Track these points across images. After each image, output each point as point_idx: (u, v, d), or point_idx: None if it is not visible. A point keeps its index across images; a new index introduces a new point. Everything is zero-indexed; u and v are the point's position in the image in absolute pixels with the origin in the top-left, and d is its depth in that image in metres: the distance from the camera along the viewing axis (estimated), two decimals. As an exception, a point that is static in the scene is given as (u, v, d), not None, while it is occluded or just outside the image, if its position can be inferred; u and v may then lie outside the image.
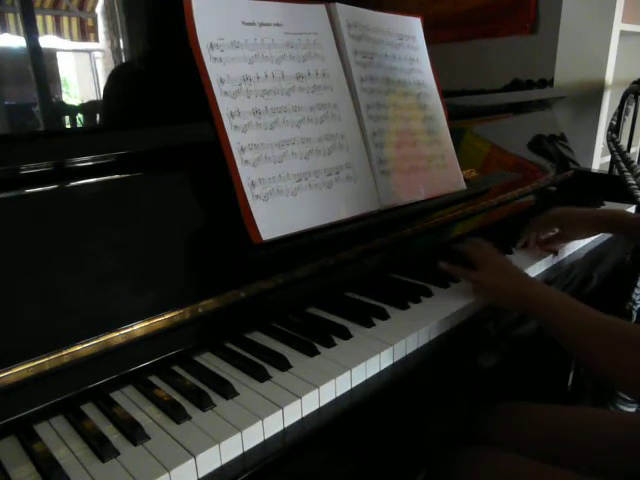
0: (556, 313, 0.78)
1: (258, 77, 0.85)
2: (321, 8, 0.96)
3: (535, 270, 1.07)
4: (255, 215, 0.81)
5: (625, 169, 1.55)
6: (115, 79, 0.78)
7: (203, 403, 0.64)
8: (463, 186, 1.14)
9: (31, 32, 0.69)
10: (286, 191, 0.85)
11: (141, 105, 0.80)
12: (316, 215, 0.88)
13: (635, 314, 1.49)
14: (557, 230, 1.15)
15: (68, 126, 0.76)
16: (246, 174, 0.81)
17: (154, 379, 0.71)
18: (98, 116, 0.78)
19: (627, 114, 1.98)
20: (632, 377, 0.68)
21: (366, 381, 0.73)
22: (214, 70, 0.80)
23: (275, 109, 0.86)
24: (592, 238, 1.24)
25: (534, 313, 0.81)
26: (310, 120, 0.90)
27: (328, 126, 0.92)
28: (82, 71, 0.76)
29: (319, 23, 0.95)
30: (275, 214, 0.83)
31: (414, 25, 1.14)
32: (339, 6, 0.98)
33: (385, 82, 1.05)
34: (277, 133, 0.86)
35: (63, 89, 0.74)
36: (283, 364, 0.72)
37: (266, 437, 0.62)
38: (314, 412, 0.67)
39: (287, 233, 0.84)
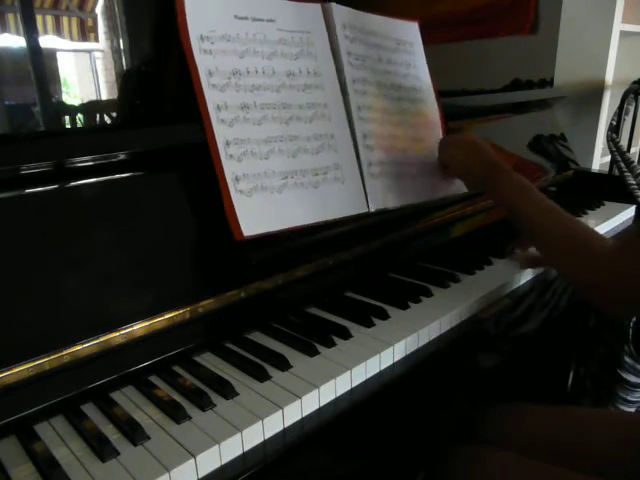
0: (525, 213, 0.85)
1: (248, 72, 0.84)
2: (317, 7, 0.96)
3: (535, 270, 1.07)
4: (237, 210, 0.79)
5: (625, 169, 1.55)
6: (115, 79, 0.78)
7: (203, 403, 0.64)
8: (463, 189, 1.14)
9: (31, 32, 0.69)
10: (271, 188, 0.84)
11: (141, 105, 0.80)
12: (301, 214, 0.87)
13: (635, 314, 1.49)
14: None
15: (68, 126, 0.76)
16: (230, 169, 0.80)
17: (154, 379, 0.71)
18: (98, 116, 0.78)
19: (627, 114, 1.98)
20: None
21: (366, 381, 0.73)
22: (203, 62, 0.79)
23: (264, 105, 0.85)
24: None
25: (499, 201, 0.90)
26: (299, 118, 0.89)
27: (317, 125, 0.91)
28: (82, 71, 0.76)
29: (314, 22, 0.95)
30: (258, 210, 0.82)
31: (411, 29, 1.13)
32: (335, 7, 0.97)
33: (378, 85, 1.04)
34: (264, 129, 0.85)
35: (63, 89, 0.74)
36: (283, 364, 0.72)
37: (266, 437, 0.62)
38: (314, 412, 0.67)
39: (270, 230, 0.83)
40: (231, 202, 0.79)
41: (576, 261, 0.77)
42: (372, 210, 0.96)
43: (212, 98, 0.80)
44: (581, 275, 0.78)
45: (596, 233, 0.80)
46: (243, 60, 0.84)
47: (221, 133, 0.80)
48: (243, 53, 0.84)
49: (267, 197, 0.83)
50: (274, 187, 0.84)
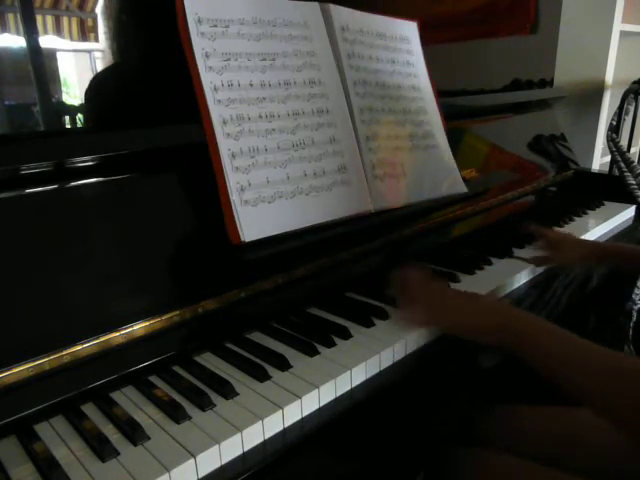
0: (546, 346, 0.69)
1: (252, 85, 0.85)
2: (315, 6, 0.96)
3: (535, 270, 1.08)
4: (242, 219, 0.80)
5: (625, 169, 1.55)
6: (115, 79, 0.78)
7: (203, 403, 0.64)
8: (463, 189, 1.14)
9: (31, 32, 0.69)
10: (278, 195, 0.84)
11: (141, 105, 0.80)
12: (306, 217, 0.87)
13: (635, 314, 1.49)
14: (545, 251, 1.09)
15: (68, 126, 0.76)
16: (235, 179, 0.80)
17: (154, 379, 0.71)
18: (98, 116, 0.78)
19: (627, 114, 1.98)
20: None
21: (366, 381, 0.73)
22: (207, 78, 0.80)
23: (270, 116, 0.86)
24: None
25: (517, 347, 0.72)
26: (305, 126, 0.90)
27: (323, 132, 0.92)
28: (82, 71, 0.76)
29: (314, 22, 0.95)
30: (263, 217, 0.82)
31: (409, 29, 1.14)
32: (334, 8, 0.97)
33: (379, 86, 1.04)
34: (271, 140, 0.85)
35: (63, 89, 0.74)
36: (283, 364, 0.72)
37: (266, 437, 0.62)
38: (314, 412, 0.67)
39: (274, 234, 0.83)
40: (231, 209, 0.79)
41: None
42: (375, 210, 0.96)
43: (217, 112, 0.80)
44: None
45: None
46: (246, 74, 0.84)
47: (225, 146, 0.80)
48: (246, 67, 0.84)
49: (273, 204, 0.84)
50: (281, 194, 0.85)
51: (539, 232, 1.12)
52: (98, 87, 0.76)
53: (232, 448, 0.59)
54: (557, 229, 1.24)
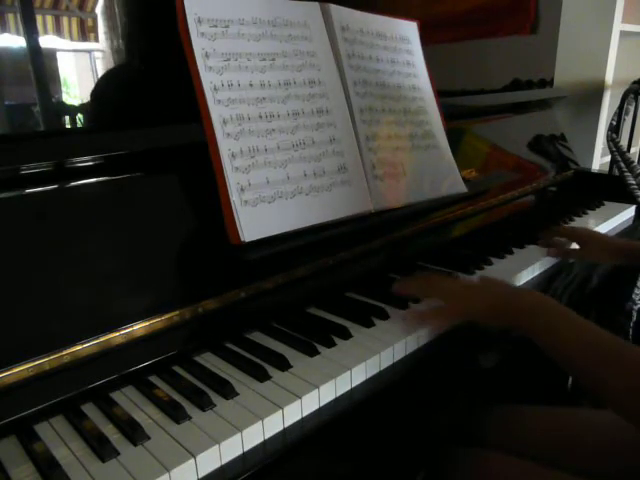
0: (556, 331, 0.70)
1: (251, 85, 0.85)
2: (315, 6, 0.96)
3: (535, 270, 1.08)
4: (241, 219, 0.80)
5: (625, 169, 1.55)
6: (115, 79, 0.78)
7: (203, 403, 0.64)
8: (463, 189, 1.14)
9: (31, 32, 0.69)
10: (277, 195, 0.84)
11: (142, 105, 0.80)
12: (306, 217, 0.87)
13: (635, 314, 1.49)
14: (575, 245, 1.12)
15: (68, 126, 0.76)
16: (235, 179, 0.80)
17: (154, 379, 0.71)
18: (98, 116, 0.78)
19: (627, 114, 1.98)
20: None
21: (366, 381, 0.73)
22: (207, 77, 0.80)
23: (270, 116, 0.86)
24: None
25: (528, 329, 0.73)
26: (305, 127, 0.90)
27: (323, 132, 0.92)
28: (82, 71, 0.76)
29: (314, 22, 0.95)
30: (263, 217, 0.82)
31: (410, 29, 1.14)
32: (333, 8, 0.97)
33: (379, 86, 1.04)
34: (270, 140, 0.85)
35: (63, 89, 0.74)
36: (283, 364, 0.72)
37: (266, 437, 0.62)
38: (314, 412, 0.67)
39: (274, 234, 0.83)
40: (231, 209, 0.79)
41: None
42: (375, 210, 0.96)
43: (217, 112, 0.80)
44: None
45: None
46: (246, 74, 0.84)
47: (225, 146, 0.80)
48: (246, 67, 0.84)
49: (273, 204, 0.84)
50: (281, 194, 0.85)
51: (567, 231, 1.14)
52: (98, 87, 0.76)
53: (232, 448, 0.59)
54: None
